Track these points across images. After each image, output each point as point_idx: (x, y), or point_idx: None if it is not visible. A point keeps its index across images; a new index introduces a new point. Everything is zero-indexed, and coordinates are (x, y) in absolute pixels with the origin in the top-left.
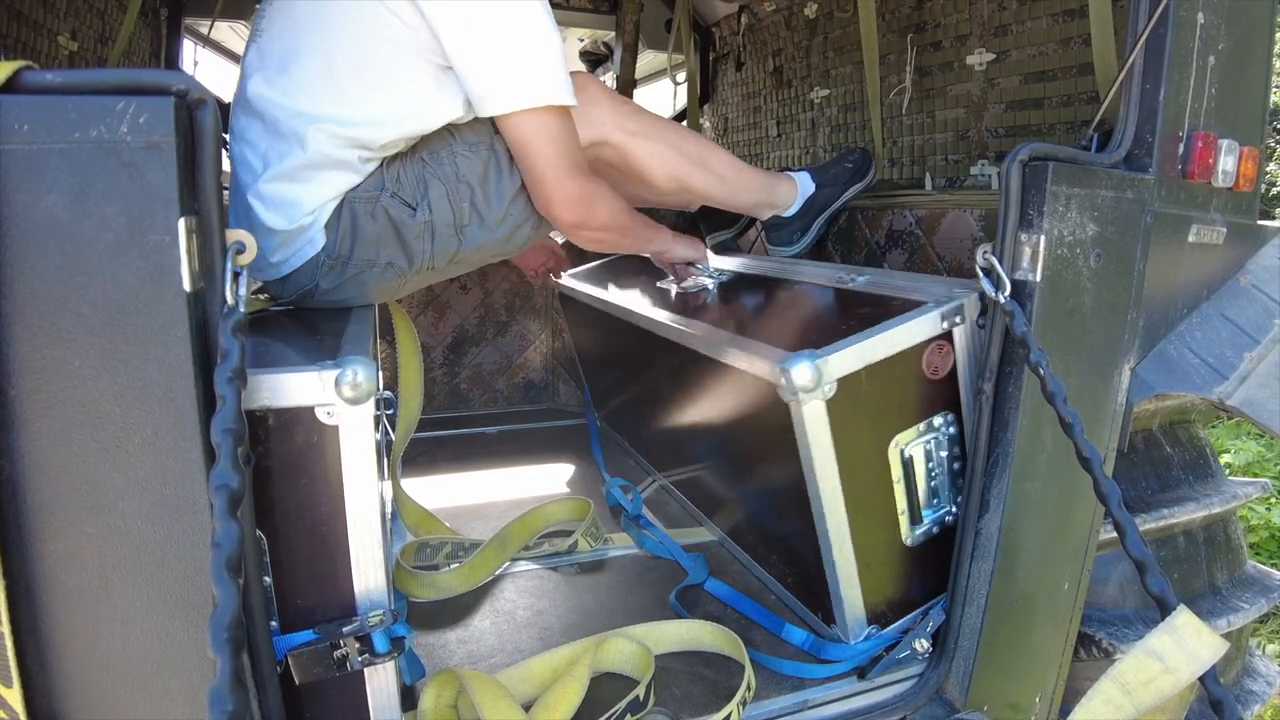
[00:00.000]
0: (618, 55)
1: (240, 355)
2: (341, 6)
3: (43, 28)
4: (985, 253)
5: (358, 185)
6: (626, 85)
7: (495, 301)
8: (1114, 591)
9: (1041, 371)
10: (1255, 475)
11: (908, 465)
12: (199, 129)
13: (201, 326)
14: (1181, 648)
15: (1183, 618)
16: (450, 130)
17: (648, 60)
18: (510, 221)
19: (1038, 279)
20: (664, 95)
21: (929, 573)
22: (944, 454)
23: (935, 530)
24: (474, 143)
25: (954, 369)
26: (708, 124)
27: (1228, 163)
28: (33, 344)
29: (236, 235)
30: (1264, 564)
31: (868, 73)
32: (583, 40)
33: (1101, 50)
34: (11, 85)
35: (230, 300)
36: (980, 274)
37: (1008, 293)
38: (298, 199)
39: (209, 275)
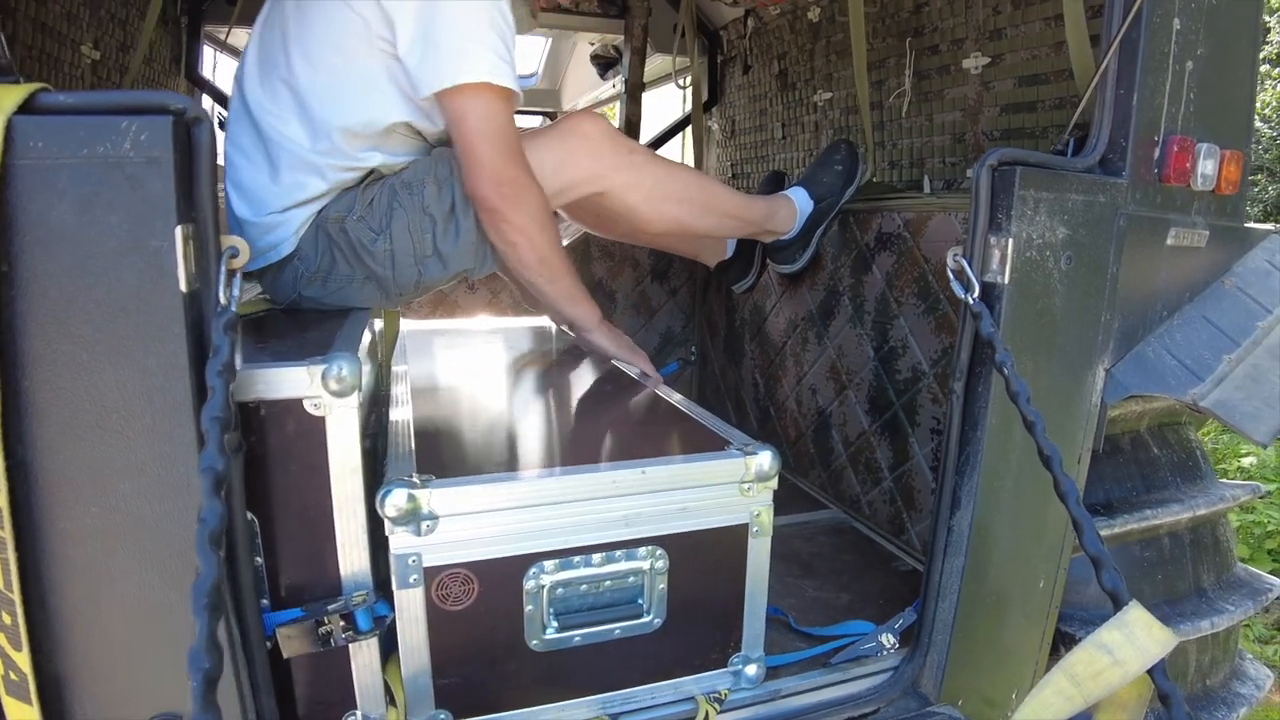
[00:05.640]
0: (626, 59)
1: (230, 350)
2: (312, 6)
3: (66, 39)
4: (955, 255)
5: (329, 203)
6: (635, 88)
7: (502, 301)
8: (1096, 591)
9: (1005, 371)
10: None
11: None
12: (195, 145)
13: (197, 324)
14: (1131, 642)
15: (1134, 613)
16: (434, 162)
17: (657, 64)
18: (465, 258)
19: (1006, 281)
20: (674, 97)
21: None
22: None
23: None
24: (445, 179)
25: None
26: (715, 126)
27: (1207, 166)
28: (44, 339)
29: (230, 241)
30: None
31: (857, 77)
32: (593, 44)
33: (1078, 55)
34: (28, 106)
35: (223, 300)
36: (951, 276)
37: (976, 294)
38: (265, 194)
39: (204, 277)
